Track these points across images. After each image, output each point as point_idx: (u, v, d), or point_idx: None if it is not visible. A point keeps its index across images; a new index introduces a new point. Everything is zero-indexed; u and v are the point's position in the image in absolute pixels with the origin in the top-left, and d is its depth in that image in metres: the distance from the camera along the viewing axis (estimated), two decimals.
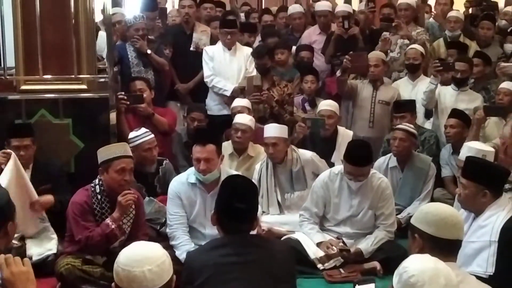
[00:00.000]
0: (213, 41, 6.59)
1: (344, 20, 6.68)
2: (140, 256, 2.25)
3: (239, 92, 6.15)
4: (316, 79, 6.40)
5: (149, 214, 4.73)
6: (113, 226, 4.18)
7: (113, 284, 2.29)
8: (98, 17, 6.40)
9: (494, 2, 9.03)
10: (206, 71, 6.31)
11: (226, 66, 6.29)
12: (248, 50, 6.38)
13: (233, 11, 7.84)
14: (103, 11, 5.47)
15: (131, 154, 4.40)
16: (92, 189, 4.30)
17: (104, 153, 4.30)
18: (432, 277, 2.10)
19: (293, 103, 6.25)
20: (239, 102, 5.86)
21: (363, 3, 7.67)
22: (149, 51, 6.07)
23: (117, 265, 2.26)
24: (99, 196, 4.29)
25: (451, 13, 7.13)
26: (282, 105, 6.10)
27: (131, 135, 5.02)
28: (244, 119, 5.47)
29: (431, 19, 7.96)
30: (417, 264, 2.16)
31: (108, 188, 4.29)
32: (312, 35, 7.15)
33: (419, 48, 6.38)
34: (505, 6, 8.50)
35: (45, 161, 4.80)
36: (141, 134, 4.98)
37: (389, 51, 6.71)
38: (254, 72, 6.22)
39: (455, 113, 5.63)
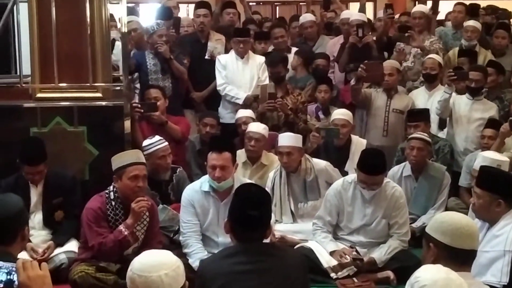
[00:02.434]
0: (228, 50, 6.62)
1: (358, 29, 6.70)
2: (156, 262, 2.29)
3: (252, 100, 6.16)
4: (330, 89, 6.40)
5: (163, 221, 4.74)
6: (126, 233, 4.20)
7: None
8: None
9: (508, 11, 9.01)
10: (219, 79, 6.32)
11: (239, 74, 6.30)
12: (261, 58, 6.39)
13: (252, 19, 7.87)
14: (119, 19, 5.51)
15: (144, 161, 4.43)
16: (107, 195, 4.33)
17: (117, 161, 4.33)
18: (444, 287, 2.09)
19: (307, 111, 6.25)
20: (243, 113, 5.88)
21: (381, 10, 7.69)
22: (171, 57, 6.12)
23: (132, 272, 2.28)
24: (113, 203, 4.31)
25: (469, 23, 7.08)
26: (296, 113, 6.11)
27: (145, 142, 5.04)
28: (257, 128, 5.48)
29: (444, 27, 7.94)
30: (429, 274, 2.15)
31: (122, 195, 4.31)
32: (337, 44, 7.16)
33: (437, 58, 6.36)
34: None
35: (57, 173, 4.78)
36: (155, 142, 5.01)
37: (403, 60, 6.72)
38: (267, 81, 6.23)
39: (493, 123, 5.58)
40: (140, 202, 4.21)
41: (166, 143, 5.07)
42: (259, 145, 5.43)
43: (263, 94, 6.03)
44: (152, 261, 2.29)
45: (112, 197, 4.31)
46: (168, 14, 6.78)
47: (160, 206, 4.82)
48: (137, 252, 4.31)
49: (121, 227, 4.22)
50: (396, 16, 7.92)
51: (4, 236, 2.65)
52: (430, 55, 6.40)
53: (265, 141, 5.50)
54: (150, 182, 4.79)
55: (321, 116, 6.33)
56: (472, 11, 7.77)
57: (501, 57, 6.88)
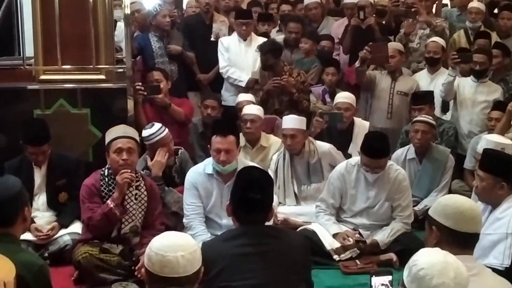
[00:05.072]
0: (231, 32, 6.60)
1: (360, 11, 6.64)
2: (174, 242, 2.32)
3: (254, 82, 6.13)
4: (337, 71, 6.34)
5: (168, 203, 4.74)
6: (111, 205, 4.21)
7: (142, 269, 2.39)
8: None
9: None
10: (221, 62, 6.30)
11: (242, 57, 6.28)
12: (264, 40, 6.35)
13: (257, 1, 7.82)
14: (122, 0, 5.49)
15: (130, 135, 4.38)
16: (102, 172, 4.37)
17: (107, 137, 4.38)
18: (442, 270, 2.08)
19: (308, 91, 6.19)
20: (243, 97, 5.84)
21: None
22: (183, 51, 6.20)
23: (151, 250, 2.32)
24: (106, 179, 4.35)
25: (473, 4, 7.02)
26: (298, 93, 6.06)
27: (146, 133, 4.89)
28: (251, 110, 5.43)
29: (449, 7, 7.88)
30: (427, 257, 2.14)
31: (113, 170, 4.34)
32: (341, 26, 7.11)
33: (440, 41, 6.32)
34: None
35: (61, 155, 4.76)
36: (156, 131, 4.88)
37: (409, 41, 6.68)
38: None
39: (499, 105, 5.54)
40: (123, 174, 4.23)
41: (167, 130, 4.95)
42: (254, 126, 5.37)
43: (264, 77, 5.99)
44: (171, 241, 2.32)
45: (106, 173, 4.36)
46: None
47: (166, 188, 4.82)
48: (137, 233, 4.34)
49: (109, 200, 4.25)
50: None
51: (4, 218, 2.67)
52: (433, 38, 6.35)
53: (261, 122, 5.44)
54: None
55: (328, 99, 6.24)
56: None
57: (507, 38, 6.83)
